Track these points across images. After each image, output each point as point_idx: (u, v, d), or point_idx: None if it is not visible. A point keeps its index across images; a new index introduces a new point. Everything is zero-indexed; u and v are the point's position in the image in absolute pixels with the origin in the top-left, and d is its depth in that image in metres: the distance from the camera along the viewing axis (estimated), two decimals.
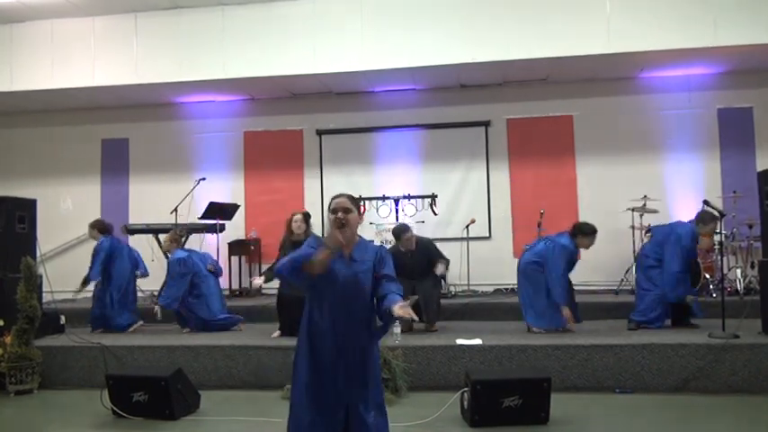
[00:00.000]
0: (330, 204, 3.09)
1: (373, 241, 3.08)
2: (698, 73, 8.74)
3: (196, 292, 6.88)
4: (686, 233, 6.18)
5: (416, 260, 6.57)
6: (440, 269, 6.60)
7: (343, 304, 3.03)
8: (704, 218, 6.18)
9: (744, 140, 8.71)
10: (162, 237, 8.08)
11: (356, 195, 3.25)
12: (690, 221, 6.37)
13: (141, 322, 7.26)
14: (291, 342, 3.17)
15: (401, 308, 2.83)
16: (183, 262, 6.88)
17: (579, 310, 6.37)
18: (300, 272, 2.92)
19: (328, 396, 3.01)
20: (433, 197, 8.71)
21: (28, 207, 6.98)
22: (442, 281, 6.80)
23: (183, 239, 7.70)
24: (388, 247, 7.01)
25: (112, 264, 7.14)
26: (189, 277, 6.84)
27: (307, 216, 6.54)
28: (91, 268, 7.06)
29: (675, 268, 6.13)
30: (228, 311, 7.13)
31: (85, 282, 7.08)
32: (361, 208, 8.71)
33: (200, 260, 7.10)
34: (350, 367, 3.02)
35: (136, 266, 7.43)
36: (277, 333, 6.38)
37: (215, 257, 7.71)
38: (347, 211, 3.02)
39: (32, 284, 5.96)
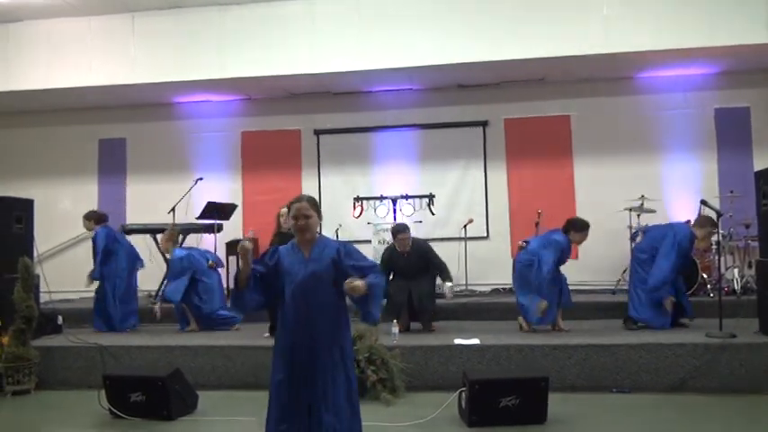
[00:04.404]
0: (290, 209, 3.16)
1: (334, 238, 3.18)
2: (695, 73, 8.74)
3: (199, 287, 6.97)
4: (684, 236, 6.10)
5: (411, 262, 6.56)
6: (447, 291, 6.53)
7: (304, 303, 3.08)
8: (702, 221, 6.17)
9: (741, 140, 8.71)
10: (159, 236, 8.03)
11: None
12: (686, 222, 6.35)
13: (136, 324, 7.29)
14: None
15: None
16: (185, 259, 6.96)
17: (579, 310, 6.37)
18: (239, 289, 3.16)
19: (294, 394, 3.04)
20: (431, 197, 8.69)
21: (25, 207, 6.97)
22: (446, 288, 6.57)
23: (181, 238, 7.72)
24: (386, 248, 7.01)
25: (111, 257, 7.11)
26: (190, 273, 6.92)
27: None
28: (98, 263, 7.02)
29: (666, 269, 6.02)
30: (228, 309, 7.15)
31: (92, 278, 7.09)
32: (360, 207, 8.69)
33: (200, 257, 7.21)
34: (315, 366, 3.05)
35: (135, 262, 7.42)
36: (267, 333, 6.36)
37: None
38: (307, 217, 3.11)
39: (29, 285, 5.96)
